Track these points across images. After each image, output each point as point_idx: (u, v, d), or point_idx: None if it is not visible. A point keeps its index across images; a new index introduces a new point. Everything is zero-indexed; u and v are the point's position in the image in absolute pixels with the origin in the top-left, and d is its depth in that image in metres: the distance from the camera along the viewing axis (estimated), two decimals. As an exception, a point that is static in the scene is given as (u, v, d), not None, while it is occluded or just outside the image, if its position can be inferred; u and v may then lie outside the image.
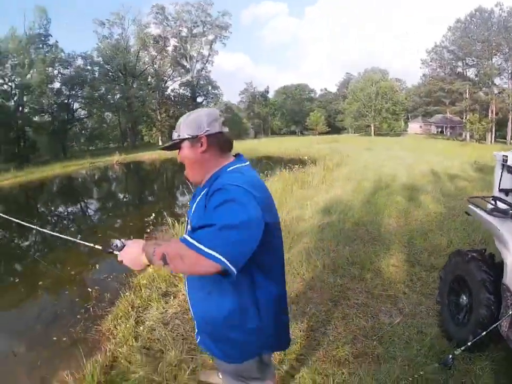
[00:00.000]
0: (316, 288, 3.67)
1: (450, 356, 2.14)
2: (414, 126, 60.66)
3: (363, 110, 53.77)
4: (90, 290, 4.61)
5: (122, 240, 1.42)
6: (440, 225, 5.53)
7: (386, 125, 56.36)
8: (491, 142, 41.91)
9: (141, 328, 3.32)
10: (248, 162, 1.56)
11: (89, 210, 13.44)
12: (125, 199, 15.48)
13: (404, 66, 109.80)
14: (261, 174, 10.76)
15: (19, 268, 7.33)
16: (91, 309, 4.31)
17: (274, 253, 1.52)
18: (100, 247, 1.57)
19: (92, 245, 1.65)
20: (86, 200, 15.78)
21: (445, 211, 6.38)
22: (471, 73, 47.29)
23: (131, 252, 1.38)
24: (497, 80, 43.90)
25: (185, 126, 1.50)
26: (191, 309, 1.67)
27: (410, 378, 2.28)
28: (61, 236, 2.05)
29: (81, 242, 1.80)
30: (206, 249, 1.16)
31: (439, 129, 56.94)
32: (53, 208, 15.05)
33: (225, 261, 1.16)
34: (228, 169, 1.46)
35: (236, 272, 1.20)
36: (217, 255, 1.15)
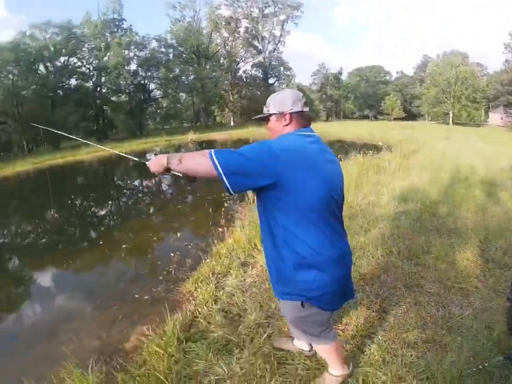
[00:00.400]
0: (389, 273, 3.77)
1: None
2: (495, 117, 55.73)
3: (441, 96, 49.77)
4: (172, 255, 4.95)
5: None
6: (518, 224, 5.31)
7: (466, 114, 52.19)
8: None
9: (221, 292, 3.61)
10: (308, 132, 1.87)
11: (163, 185, 13.99)
12: None
13: (484, 49, 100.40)
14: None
15: (103, 232, 7.93)
16: (172, 272, 4.66)
17: (313, 210, 1.71)
18: (137, 159, 2.11)
19: (136, 158, 2.22)
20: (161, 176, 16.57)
21: (524, 209, 6.07)
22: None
23: (157, 158, 1.79)
24: None
25: (274, 103, 1.87)
26: None
27: (474, 369, 2.35)
28: (107, 149, 2.75)
29: (127, 156, 2.38)
30: (213, 155, 1.58)
31: (522, 122, 51.75)
32: (129, 181, 16.11)
33: (219, 167, 1.56)
34: (285, 134, 1.82)
35: (228, 185, 1.58)
36: (216, 161, 1.57)
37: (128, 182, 16.08)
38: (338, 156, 10.45)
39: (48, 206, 11.38)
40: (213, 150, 1.61)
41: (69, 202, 12.43)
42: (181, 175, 1.79)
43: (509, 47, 46.57)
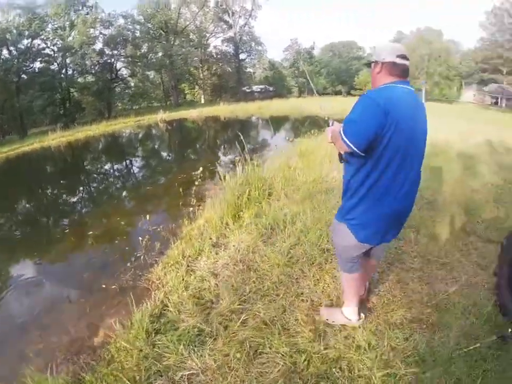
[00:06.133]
0: (369, 248, 3.62)
1: (510, 330, 2.08)
2: (467, 94, 56.49)
3: (414, 72, 49.69)
4: (140, 239, 4.65)
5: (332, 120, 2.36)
6: (497, 198, 5.22)
7: (438, 90, 52.92)
8: (551, 118, 38.04)
9: (192, 277, 3.38)
10: (405, 86, 2.06)
11: (134, 168, 13.72)
12: (168, 157, 15.68)
13: (459, 27, 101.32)
14: (309, 133, 10.72)
15: (68, 220, 7.59)
16: (141, 257, 4.42)
17: (396, 159, 1.97)
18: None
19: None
20: (131, 158, 16.10)
21: (501, 183, 6.02)
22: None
23: (335, 129, 2.18)
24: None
25: (375, 53, 2.12)
26: None
27: (465, 350, 2.22)
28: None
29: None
30: (344, 138, 1.94)
31: (494, 100, 52.72)
32: (99, 165, 15.49)
33: (351, 145, 1.92)
34: (381, 86, 2.05)
35: (359, 151, 1.92)
36: (348, 142, 1.93)
37: (99, 166, 15.45)
38: (313, 131, 10.32)
39: (14, 196, 10.77)
40: (343, 135, 1.95)
41: (35, 191, 11.85)
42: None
43: (483, 25, 46.95)
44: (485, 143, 9.95)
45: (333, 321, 2.56)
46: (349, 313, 2.52)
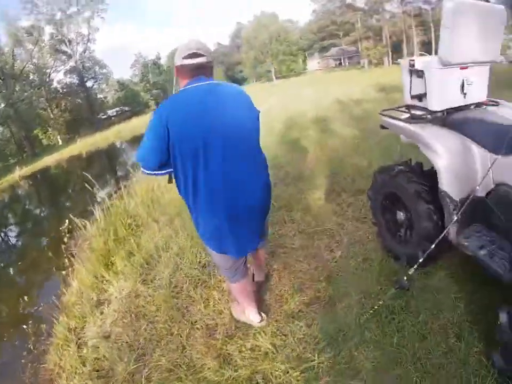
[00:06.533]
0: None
1: (405, 278, 2.08)
2: (312, 63, 61.66)
3: (260, 57, 53.84)
4: (25, 327, 4.02)
5: None
6: (356, 149, 5.56)
7: (285, 67, 56.83)
8: (389, 64, 42.82)
9: (85, 350, 2.96)
10: (199, 83, 1.89)
11: (10, 239, 12.09)
12: (42, 213, 14.25)
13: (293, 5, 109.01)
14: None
15: None
16: (31, 347, 3.80)
17: (200, 162, 1.82)
18: None
19: None
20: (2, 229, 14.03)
21: (357, 133, 6.45)
22: (360, 2, 47.70)
23: None
24: (387, 6, 44.77)
25: None
26: None
27: (371, 311, 2.20)
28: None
29: None
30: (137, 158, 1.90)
31: (337, 62, 58.14)
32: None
33: (141, 168, 1.91)
34: (178, 92, 1.96)
35: (149, 170, 1.88)
36: (140, 164, 1.90)
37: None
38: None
39: None
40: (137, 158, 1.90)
41: None
42: None
43: (315, -1, 51.50)
44: (334, 102, 10.67)
45: (238, 320, 2.51)
46: (248, 315, 2.43)
